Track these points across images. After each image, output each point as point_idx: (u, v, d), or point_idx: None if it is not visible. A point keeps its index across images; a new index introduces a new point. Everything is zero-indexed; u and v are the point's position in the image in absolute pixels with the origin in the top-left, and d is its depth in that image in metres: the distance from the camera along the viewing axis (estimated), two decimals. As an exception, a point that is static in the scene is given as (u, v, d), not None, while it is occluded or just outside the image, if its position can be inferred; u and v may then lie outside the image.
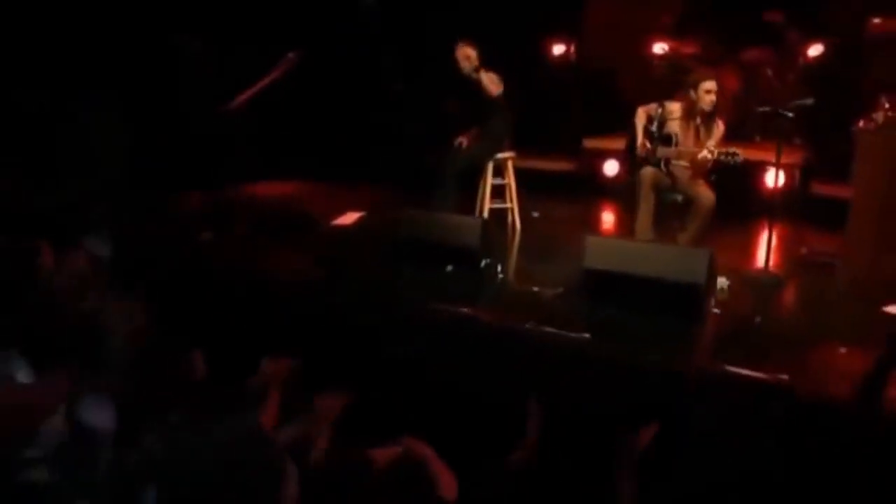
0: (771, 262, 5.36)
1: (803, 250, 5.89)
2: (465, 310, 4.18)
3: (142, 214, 6.66)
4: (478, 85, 6.04)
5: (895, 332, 2.96)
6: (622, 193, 7.81)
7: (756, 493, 3.11)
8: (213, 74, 8.42)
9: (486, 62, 6.65)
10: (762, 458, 3.18)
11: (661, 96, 7.95)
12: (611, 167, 8.06)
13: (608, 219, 7.58)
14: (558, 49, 9.78)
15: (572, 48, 9.77)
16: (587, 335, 3.80)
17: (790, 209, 6.76)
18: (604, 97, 9.19)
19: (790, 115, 5.11)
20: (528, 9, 9.18)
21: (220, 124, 7.67)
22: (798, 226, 6.67)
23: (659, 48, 9.01)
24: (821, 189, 7.13)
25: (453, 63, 6.21)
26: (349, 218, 6.91)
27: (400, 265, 5.04)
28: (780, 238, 5.88)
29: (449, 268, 4.87)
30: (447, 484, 2.28)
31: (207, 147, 7.75)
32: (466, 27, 9.29)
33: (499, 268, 4.96)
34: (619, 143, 8.18)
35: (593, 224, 7.26)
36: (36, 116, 7.35)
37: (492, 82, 6.06)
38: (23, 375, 2.41)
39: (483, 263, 4.85)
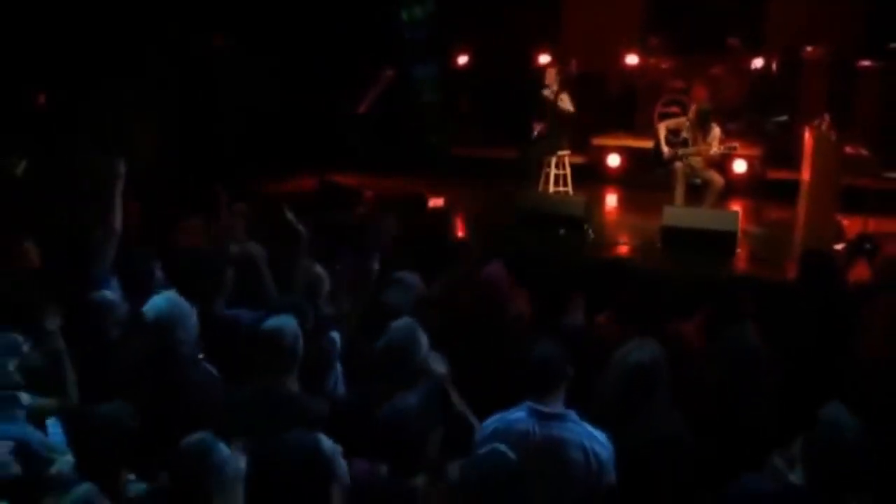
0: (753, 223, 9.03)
1: (772, 216, 9.56)
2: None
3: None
4: (554, 101, 9.28)
5: (853, 239, 6.37)
6: (622, 180, 11.33)
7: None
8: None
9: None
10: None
11: (644, 102, 11.64)
12: (613, 160, 11.50)
13: (615, 198, 11.05)
14: (544, 58, 13.09)
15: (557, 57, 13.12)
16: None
17: (754, 189, 10.48)
18: (591, 100, 12.63)
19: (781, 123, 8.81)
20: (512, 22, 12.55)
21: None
22: (758, 201, 10.37)
23: (631, 60, 12.55)
24: (774, 174, 10.84)
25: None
26: (437, 201, 10.07)
27: (522, 230, 8.37)
28: (751, 209, 9.59)
29: (561, 231, 8.23)
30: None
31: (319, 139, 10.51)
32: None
33: (590, 230, 8.37)
34: (619, 140, 11.71)
35: (608, 202, 10.75)
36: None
37: (564, 101, 9.28)
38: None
39: (585, 228, 8.27)
